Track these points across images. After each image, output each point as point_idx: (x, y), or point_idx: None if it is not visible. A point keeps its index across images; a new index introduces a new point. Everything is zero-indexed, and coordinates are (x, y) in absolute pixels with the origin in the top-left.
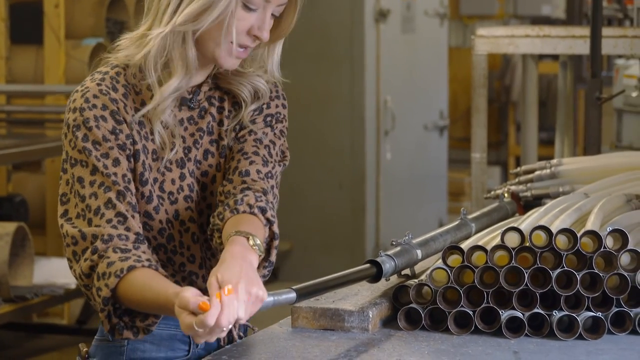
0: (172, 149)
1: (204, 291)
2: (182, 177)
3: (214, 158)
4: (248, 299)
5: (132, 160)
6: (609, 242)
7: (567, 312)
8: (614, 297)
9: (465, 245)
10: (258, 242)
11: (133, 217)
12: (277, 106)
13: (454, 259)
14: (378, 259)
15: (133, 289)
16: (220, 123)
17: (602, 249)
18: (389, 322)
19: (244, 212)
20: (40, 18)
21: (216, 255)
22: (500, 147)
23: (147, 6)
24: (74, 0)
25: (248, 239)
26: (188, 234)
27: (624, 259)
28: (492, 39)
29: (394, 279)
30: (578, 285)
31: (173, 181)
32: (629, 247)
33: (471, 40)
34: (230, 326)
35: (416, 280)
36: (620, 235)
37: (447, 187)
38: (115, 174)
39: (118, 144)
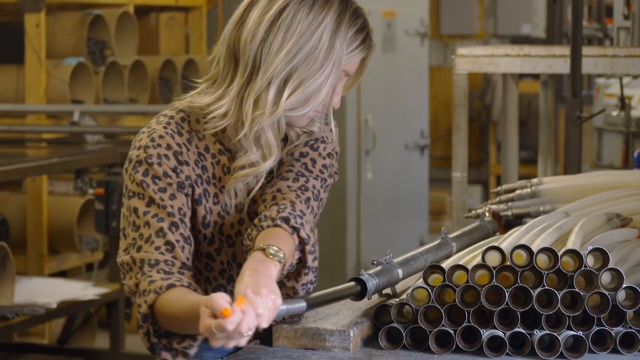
0: (231, 196)
1: None
2: (240, 222)
3: None
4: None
5: (189, 199)
6: (589, 261)
7: (548, 331)
8: (595, 316)
9: (446, 264)
10: (274, 249)
11: (183, 248)
12: (323, 131)
13: (435, 278)
14: (362, 277)
15: (169, 303)
16: (280, 162)
17: (582, 268)
18: (370, 341)
19: (268, 226)
20: (22, 37)
21: None
22: (481, 166)
23: (224, 63)
24: (55, 20)
25: (264, 250)
26: None
27: (605, 278)
28: (472, 59)
29: (375, 298)
30: (559, 304)
31: (232, 225)
32: (610, 266)
33: (452, 60)
34: (250, 333)
35: (397, 300)
36: (601, 254)
37: (428, 206)
38: (172, 206)
39: (178, 181)
